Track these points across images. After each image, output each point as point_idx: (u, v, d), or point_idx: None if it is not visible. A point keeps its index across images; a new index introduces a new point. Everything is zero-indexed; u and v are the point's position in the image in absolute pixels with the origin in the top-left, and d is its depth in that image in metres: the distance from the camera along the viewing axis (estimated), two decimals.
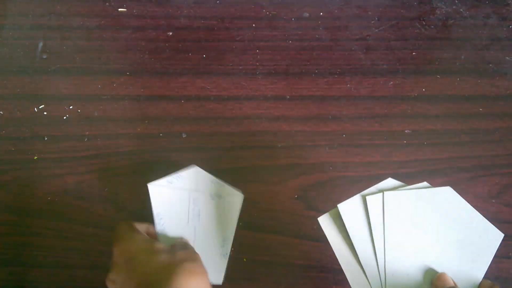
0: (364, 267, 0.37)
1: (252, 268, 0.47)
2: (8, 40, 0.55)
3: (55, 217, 0.48)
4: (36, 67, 0.53)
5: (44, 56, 0.54)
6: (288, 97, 0.52)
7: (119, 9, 0.56)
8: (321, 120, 0.51)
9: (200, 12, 0.56)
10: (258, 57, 0.54)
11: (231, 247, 0.42)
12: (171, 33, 0.55)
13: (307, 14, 0.56)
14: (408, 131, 0.51)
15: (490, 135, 0.51)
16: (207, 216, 0.42)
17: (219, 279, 0.42)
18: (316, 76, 0.53)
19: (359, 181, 0.49)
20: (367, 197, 0.37)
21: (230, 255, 0.42)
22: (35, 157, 0.50)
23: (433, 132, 0.51)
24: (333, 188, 0.49)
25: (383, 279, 0.36)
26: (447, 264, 0.36)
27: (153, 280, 0.33)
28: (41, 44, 0.54)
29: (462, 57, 0.54)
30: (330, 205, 0.42)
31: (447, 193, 0.37)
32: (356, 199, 0.38)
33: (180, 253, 0.36)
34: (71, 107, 0.52)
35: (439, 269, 0.36)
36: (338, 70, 0.54)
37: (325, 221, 0.39)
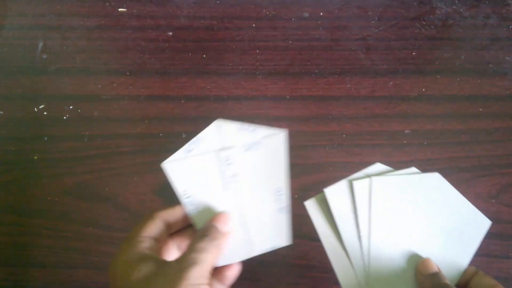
0: (348, 252, 0.36)
1: (252, 268, 0.47)
2: (8, 40, 0.55)
3: (55, 217, 0.48)
4: (36, 67, 0.53)
5: (44, 56, 0.54)
6: (288, 97, 0.52)
7: (119, 9, 0.56)
8: (321, 120, 0.51)
9: (200, 12, 0.56)
10: (258, 57, 0.54)
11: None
12: (171, 33, 0.55)
13: (307, 14, 0.56)
14: (408, 131, 0.51)
15: (490, 135, 0.51)
16: (247, 173, 0.34)
17: (285, 239, 0.36)
18: (316, 76, 0.53)
19: None
20: (354, 182, 0.36)
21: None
22: (35, 157, 0.50)
23: (433, 132, 0.51)
24: None
25: (367, 263, 0.36)
26: (432, 250, 0.35)
27: None
28: (41, 44, 0.54)
29: (462, 57, 0.54)
30: None
31: (435, 179, 0.36)
32: (343, 184, 0.37)
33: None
34: (71, 107, 0.52)
35: (424, 255, 0.35)
36: (338, 70, 0.54)
37: (312, 206, 0.38)
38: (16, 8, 0.56)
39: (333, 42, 0.55)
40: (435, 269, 0.34)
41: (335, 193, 0.37)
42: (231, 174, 0.34)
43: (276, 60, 0.54)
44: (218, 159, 0.34)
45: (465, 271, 0.35)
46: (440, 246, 0.36)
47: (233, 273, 0.35)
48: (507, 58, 0.54)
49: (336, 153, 0.50)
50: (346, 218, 0.36)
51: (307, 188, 0.49)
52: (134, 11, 0.56)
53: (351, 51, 0.54)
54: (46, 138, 0.51)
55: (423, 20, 0.56)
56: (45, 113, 0.52)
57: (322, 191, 0.37)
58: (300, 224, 0.50)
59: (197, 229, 0.34)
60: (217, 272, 0.34)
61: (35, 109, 0.52)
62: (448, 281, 0.33)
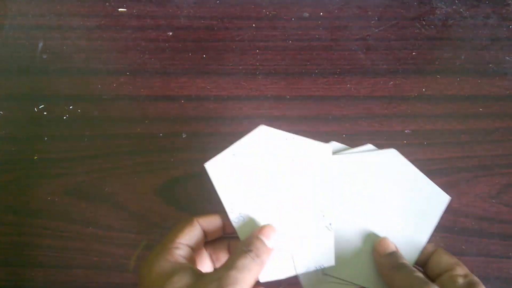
0: None
1: None
2: (8, 40, 0.55)
3: (55, 217, 0.48)
4: (36, 67, 0.53)
5: (44, 56, 0.54)
6: (288, 97, 0.52)
7: (119, 9, 0.56)
8: (321, 120, 0.51)
9: (200, 12, 0.56)
10: (258, 57, 0.54)
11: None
12: (171, 33, 0.55)
13: (307, 14, 0.56)
14: (408, 131, 0.51)
15: (490, 135, 0.51)
16: (293, 185, 0.33)
17: (329, 259, 0.33)
18: (316, 76, 0.53)
19: None
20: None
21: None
22: (35, 157, 0.50)
23: (433, 132, 0.51)
24: None
25: None
26: (390, 229, 0.34)
27: None
28: (41, 44, 0.54)
29: (462, 57, 0.54)
30: None
31: (392, 155, 0.35)
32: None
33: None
34: (71, 107, 0.52)
35: (382, 234, 0.34)
36: (338, 70, 0.54)
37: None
38: (16, 8, 0.56)
39: (333, 42, 0.55)
40: (392, 248, 0.33)
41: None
42: (276, 184, 0.33)
43: (276, 60, 0.54)
44: (262, 167, 0.33)
45: (424, 249, 0.34)
46: (398, 224, 0.34)
47: None
48: (507, 58, 0.54)
49: None
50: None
51: None
52: (134, 11, 0.56)
53: (351, 51, 0.54)
54: (46, 138, 0.51)
55: (423, 20, 0.56)
56: (45, 113, 0.52)
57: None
58: None
59: (240, 239, 0.33)
60: None
61: (35, 109, 0.52)
62: (405, 260, 0.32)
